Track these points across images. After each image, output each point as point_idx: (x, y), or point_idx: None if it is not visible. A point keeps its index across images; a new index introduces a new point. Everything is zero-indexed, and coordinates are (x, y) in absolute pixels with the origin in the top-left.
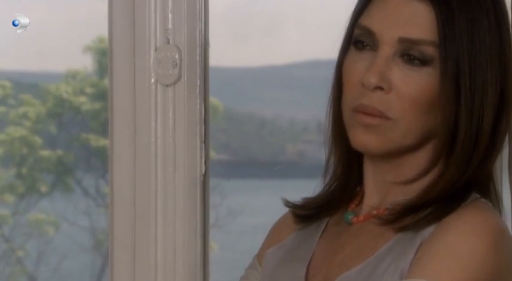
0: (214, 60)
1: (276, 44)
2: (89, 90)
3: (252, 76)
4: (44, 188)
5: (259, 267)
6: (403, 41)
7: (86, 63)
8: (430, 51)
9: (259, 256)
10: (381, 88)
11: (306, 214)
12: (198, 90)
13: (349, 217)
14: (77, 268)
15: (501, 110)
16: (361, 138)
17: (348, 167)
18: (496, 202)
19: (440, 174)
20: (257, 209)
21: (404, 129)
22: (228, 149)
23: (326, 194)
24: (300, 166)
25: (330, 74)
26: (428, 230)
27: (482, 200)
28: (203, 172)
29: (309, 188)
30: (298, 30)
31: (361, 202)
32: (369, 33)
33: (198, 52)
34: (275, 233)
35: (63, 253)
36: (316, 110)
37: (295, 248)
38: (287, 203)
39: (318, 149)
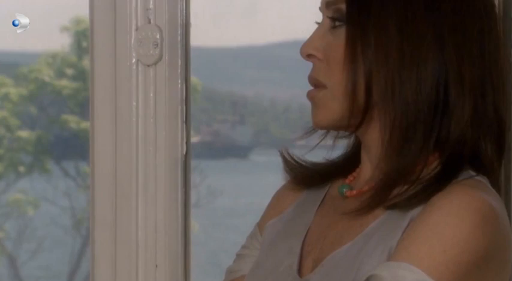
0: (195, 40)
1: (256, 24)
2: (68, 71)
3: (232, 56)
4: (22, 169)
5: (260, 237)
6: (329, 5)
7: (63, 43)
8: (344, 8)
9: (260, 225)
10: (315, 57)
11: (304, 176)
12: (179, 70)
13: (343, 189)
14: (57, 248)
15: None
16: (313, 116)
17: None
18: (494, 180)
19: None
20: (237, 189)
21: (339, 96)
22: (208, 129)
23: (329, 162)
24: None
25: None
26: (417, 210)
27: (477, 177)
28: (184, 152)
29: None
30: (278, 10)
31: (359, 175)
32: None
33: (179, 32)
34: (276, 203)
35: (43, 234)
36: (297, 90)
37: (294, 220)
38: (288, 156)
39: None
